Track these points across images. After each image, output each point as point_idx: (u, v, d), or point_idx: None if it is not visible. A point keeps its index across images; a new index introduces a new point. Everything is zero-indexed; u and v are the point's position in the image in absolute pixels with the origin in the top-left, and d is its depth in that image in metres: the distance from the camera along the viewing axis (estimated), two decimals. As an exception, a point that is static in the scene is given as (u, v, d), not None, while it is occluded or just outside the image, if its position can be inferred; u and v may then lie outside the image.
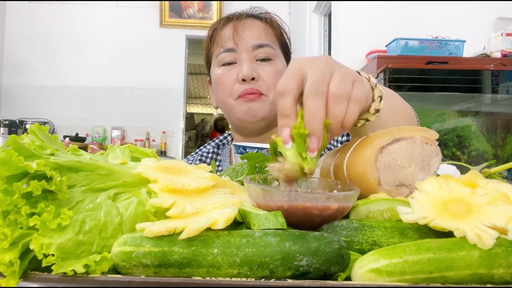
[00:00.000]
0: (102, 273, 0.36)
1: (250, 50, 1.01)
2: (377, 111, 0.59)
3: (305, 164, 0.47)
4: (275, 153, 0.50)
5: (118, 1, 4.82)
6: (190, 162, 1.17)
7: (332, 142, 1.06)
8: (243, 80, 0.99)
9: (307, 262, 0.35)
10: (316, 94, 0.48)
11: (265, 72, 1.01)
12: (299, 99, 0.50)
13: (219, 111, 1.14)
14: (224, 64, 1.03)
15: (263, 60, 1.02)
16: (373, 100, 0.59)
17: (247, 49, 1.01)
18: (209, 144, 1.23)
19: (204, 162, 1.16)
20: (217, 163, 1.17)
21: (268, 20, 1.07)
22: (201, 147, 1.23)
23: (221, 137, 1.24)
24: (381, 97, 0.59)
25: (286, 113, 0.49)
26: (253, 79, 0.99)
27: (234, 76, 1.01)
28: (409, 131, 0.51)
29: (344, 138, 1.06)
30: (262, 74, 1.01)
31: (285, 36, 1.11)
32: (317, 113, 0.48)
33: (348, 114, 0.50)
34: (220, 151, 1.20)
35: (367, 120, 0.60)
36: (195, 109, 8.80)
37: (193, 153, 1.23)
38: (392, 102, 0.71)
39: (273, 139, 0.50)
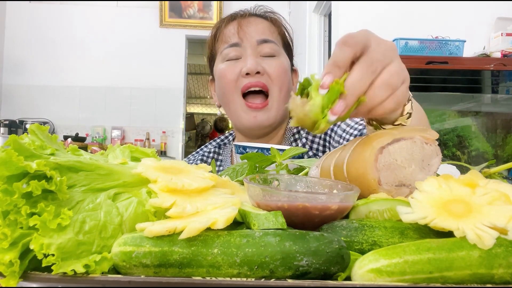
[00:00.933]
0: (102, 273, 0.36)
1: (254, 45, 1.00)
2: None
3: (322, 121, 0.46)
4: (302, 91, 0.49)
5: (118, 1, 4.82)
6: (191, 162, 1.16)
7: (339, 140, 1.03)
8: (247, 74, 0.98)
9: (307, 262, 0.35)
10: (370, 68, 0.47)
11: (270, 66, 1.00)
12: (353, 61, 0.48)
13: (223, 110, 1.13)
14: (228, 60, 1.02)
15: (267, 56, 1.01)
16: (401, 115, 0.56)
17: (252, 44, 1.00)
18: (210, 143, 1.22)
19: (206, 162, 1.16)
20: (218, 163, 1.16)
21: (272, 19, 1.07)
22: (202, 147, 1.22)
23: (222, 137, 1.23)
24: (410, 114, 0.57)
25: (338, 63, 0.47)
26: (258, 73, 0.98)
27: (237, 70, 1.00)
28: (409, 131, 0.51)
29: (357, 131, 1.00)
30: (267, 68, 0.99)
31: (288, 36, 1.10)
32: (360, 84, 0.47)
33: (383, 105, 0.49)
34: (221, 151, 1.19)
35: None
36: (195, 109, 8.80)
37: (194, 153, 1.22)
38: (418, 118, 0.66)
39: (311, 77, 0.48)
